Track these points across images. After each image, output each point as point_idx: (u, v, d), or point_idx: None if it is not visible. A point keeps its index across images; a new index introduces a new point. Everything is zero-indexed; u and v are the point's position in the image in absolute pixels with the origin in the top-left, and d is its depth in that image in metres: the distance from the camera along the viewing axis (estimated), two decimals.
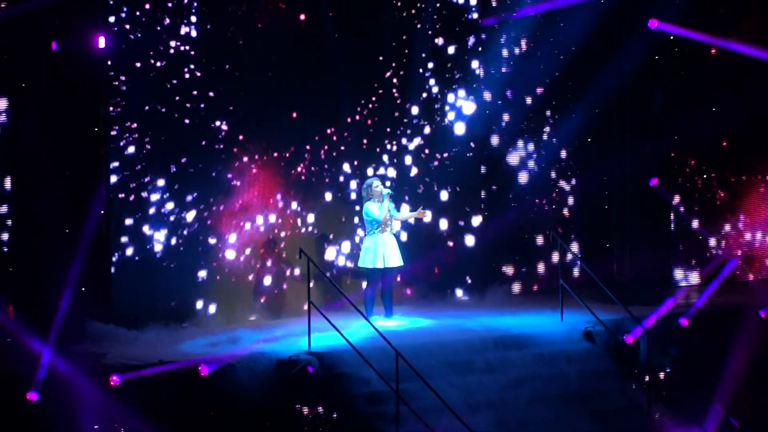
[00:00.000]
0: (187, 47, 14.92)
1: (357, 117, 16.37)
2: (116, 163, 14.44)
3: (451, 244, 17.21)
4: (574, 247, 17.59)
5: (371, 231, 14.79)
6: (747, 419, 14.22)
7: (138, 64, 14.55)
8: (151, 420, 11.80)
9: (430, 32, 16.91)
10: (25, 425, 11.56)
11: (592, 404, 13.38)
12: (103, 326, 13.91)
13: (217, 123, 15.20)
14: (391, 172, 16.65)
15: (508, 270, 17.54)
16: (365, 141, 16.45)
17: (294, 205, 15.87)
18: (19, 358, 12.39)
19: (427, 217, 15.66)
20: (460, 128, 17.20)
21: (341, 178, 16.24)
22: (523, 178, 17.64)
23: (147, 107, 14.68)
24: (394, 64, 16.63)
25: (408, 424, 12.29)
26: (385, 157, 16.62)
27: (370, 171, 16.32)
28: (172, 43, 14.81)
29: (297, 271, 15.78)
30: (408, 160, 16.81)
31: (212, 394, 12.23)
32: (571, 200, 17.90)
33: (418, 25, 16.78)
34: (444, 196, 17.09)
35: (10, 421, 11.54)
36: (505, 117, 17.51)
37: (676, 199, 17.91)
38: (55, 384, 11.72)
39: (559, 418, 13.08)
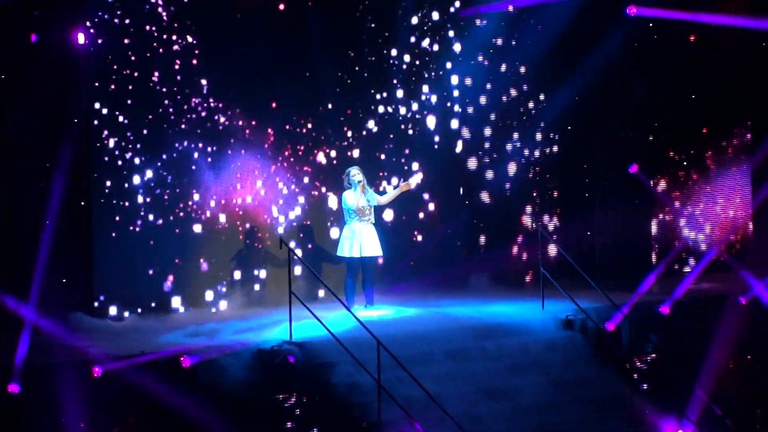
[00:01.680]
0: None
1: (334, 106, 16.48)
2: (98, 156, 14.47)
3: (431, 231, 17.31)
4: (554, 234, 17.67)
5: (348, 220, 14.77)
6: (729, 407, 14.25)
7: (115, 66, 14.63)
8: (133, 411, 11.82)
9: (410, 21, 16.97)
10: (6, 417, 11.55)
11: (575, 392, 13.34)
12: (85, 317, 13.97)
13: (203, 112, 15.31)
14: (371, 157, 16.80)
15: (490, 258, 17.56)
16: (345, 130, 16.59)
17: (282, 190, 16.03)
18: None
19: (415, 181, 15.46)
20: (433, 119, 17.29)
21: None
22: (501, 165, 17.69)
23: (129, 100, 14.71)
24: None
25: (391, 413, 12.26)
26: (366, 146, 16.76)
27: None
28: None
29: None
30: (389, 145, 16.93)
31: (194, 385, 12.23)
32: (552, 186, 17.94)
33: (399, 12, 16.89)
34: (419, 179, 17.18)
35: None
36: (485, 106, 17.56)
37: (656, 185, 17.93)
38: (37, 375, 11.71)
39: (544, 406, 13.06)
